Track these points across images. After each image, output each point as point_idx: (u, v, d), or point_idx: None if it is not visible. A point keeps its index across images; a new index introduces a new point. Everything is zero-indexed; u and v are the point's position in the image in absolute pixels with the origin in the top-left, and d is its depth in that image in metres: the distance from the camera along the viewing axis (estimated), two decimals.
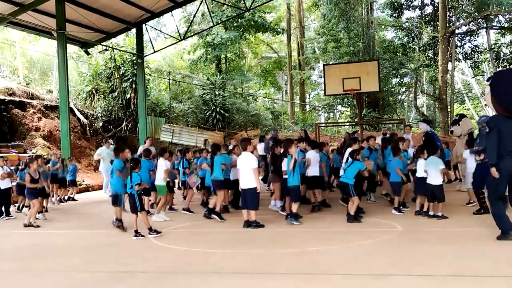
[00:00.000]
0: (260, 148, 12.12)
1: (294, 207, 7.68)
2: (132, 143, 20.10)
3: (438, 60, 24.48)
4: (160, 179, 8.70)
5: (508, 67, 25.61)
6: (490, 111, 6.45)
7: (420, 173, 7.88)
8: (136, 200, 6.95)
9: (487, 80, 6.47)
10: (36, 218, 8.85)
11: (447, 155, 12.59)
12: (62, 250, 6.60)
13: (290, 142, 7.87)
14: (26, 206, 9.95)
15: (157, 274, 5.04)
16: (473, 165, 8.66)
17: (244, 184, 7.57)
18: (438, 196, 7.57)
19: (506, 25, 26.14)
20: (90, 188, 15.69)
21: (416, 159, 8.24)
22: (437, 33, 24.82)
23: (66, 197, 12.42)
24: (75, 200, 12.62)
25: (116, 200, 7.70)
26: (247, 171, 7.51)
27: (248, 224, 7.48)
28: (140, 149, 12.60)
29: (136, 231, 6.98)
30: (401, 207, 8.55)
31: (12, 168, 10.79)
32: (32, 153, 14.80)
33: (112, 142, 14.07)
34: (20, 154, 14.36)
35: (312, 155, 8.85)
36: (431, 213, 7.66)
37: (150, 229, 7.04)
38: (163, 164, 8.76)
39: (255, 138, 16.11)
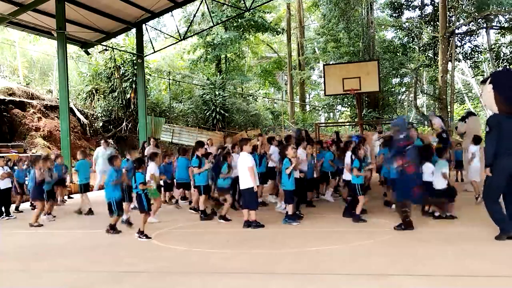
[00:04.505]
0: (274, 150, 10.33)
1: (290, 209, 7.72)
2: (132, 143, 20.11)
3: (438, 60, 24.48)
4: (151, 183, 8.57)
5: (508, 67, 25.62)
6: (489, 112, 6.38)
7: (427, 177, 7.58)
8: (143, 200, 6.91)
9: (482, 83, 6.43)
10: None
11: (459, 155, 12.64)
12: (62, 250, 6.60)
13: (287, 145, 7.90)
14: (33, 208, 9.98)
15: (157, 274, 5.04)
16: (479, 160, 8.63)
17: (242, 185, 7.59)
18: (441, 199, 7.52)
19: (506, 25, 26.12)
20: (90, 188, 15.63)
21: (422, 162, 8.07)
22: (437, 33, 24.81)
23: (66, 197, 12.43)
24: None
25: (110, 208, 7.42)
26: (244, 171, 7.53)
27: (248, 224, 7.49)
28: (147, 150, 12.49)
29: (138, 231, 6.96)
30: None
31: (15, 168, 10.85)
32: (33, 153, 14.79)
33: (108, 143, 13.98)
34: (20, 154, 14.36)
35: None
36: (436, 213, 7.62)
37: (142, 232, 6.92)
38: (152, 168, 8.59)
39: (255, 138, 16.07)
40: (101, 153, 13.03)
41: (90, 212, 9.90)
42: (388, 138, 8.23)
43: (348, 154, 8.26)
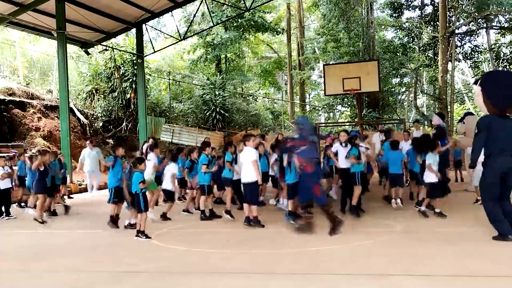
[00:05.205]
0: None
1: (290, 205, 7.72)
2: (132, 143, 20.10)
3: (438, 60, 24.47)
4: (148, 174, 8.52)
5: (508, 67, 25.62)
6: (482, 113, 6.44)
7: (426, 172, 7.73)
8: (140, 200, 6.89)
9: (474, 83, 6.51)
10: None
11: (457, 154, 12.83)
12: (62, 250, 6.60)
13: (285, 141, 7.96)
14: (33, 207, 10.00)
15: (157, 274, 5.04)
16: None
17: (244, 178, 7.55)
18: (432, 193, 7.58)
19: (506, 25, 26.11)
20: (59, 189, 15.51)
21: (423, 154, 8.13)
22: (437, 33, 24.81)
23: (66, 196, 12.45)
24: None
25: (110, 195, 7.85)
26: (247, 164, 7.49)
27: (249, 220, 7.48)
28: (145, 147, 12.57)
29: (138, 231, 6.96)
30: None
31: (15, 168, 10.85)
32: (33, 153, 14.75)
33: (93, 143, 14.08)
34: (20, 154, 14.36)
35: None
36: (437, 210, 7.64)
37: (143, 232, 6.92)
38: (153, 159, 8.75)
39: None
40: (87, 153, 13.18)
41: (53, 213, 9.94)
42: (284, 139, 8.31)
43: (336, 145, 8.35)
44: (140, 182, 6.88)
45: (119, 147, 7.96)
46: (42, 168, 8.93)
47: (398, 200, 8.60)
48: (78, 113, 20.61)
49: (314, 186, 6.73)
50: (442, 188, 7.98)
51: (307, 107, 35.15)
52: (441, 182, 7.75)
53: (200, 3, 19.69)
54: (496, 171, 5.77)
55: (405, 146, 9.47)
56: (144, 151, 12.05)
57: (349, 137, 8.28)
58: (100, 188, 14.44)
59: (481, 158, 8.58)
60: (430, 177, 7.56)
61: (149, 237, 6.87)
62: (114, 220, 7.86)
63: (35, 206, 10.04)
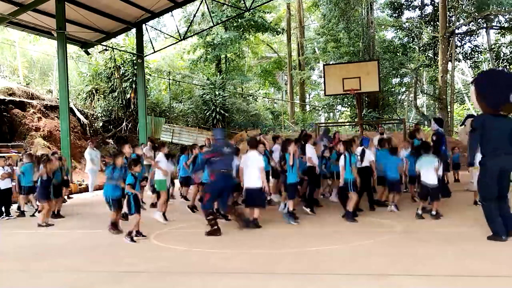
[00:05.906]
0: (276, 149, 10.11)
1: (290, 204, 7.70)
2: (132, 144, 20.10)
3: (438, 60, 24.49)
4: (159, 174, 8.45)
5: (508, 67, 25.64)
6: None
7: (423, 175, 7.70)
8: (131, 202, 6.79)
9: (471, 83, 6.52)
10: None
11: (456, 158, 12.88)
12: (62, 250, 6.60)
13: (289, 141, 7.96)
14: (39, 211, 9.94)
15: (157, 274, 5.04)
16: None
17: (249, 183, 7.43)
18: (432, 196, 7.53)
19: (506, 25, 26.15)
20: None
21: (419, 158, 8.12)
22: (437, 33, 24.83)
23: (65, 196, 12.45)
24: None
25: (108, 204, 7.50)
26: (253, 170, 7.41)
27: (248, 221, 7.44)
28: (145, 151, 12.55)
29: (137, 231, 6.94)
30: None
31: (15, 168, 10.83)
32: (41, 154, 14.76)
33: (94, 143, 14.17)
34: (20, 154, 14.35)
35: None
36: (433, 212, 7.62)
37: (138, 232, 6.83)
38: (163, 159, 8.64)
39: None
40: (93, 154, 13.33)
41: (22, 214, 10.01)
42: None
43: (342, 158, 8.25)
44: (128, 184, 6.77)
45: (120, 156, 7.57)
46: (45, 178, 8.78)
47: (393, 207, 8.57)
48: (78, 113, 20.62)
49: (206, 194, 7.23)
50: (442, 191, 7.94)
51: (307, 107, 35.17)
52: (439, 186, 7.67)
53: (200, 3, 19.69)
54: (491, 170, 5.78)
55: (405, 153, 9.51)
56: (144, 152, 12.06)
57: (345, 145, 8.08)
58: (100, 188, 14.47)
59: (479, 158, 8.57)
60: (426, 178, 7.51)
61: (134, 241, 6.66)
62: (114, 225, 7.56)
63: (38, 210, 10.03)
